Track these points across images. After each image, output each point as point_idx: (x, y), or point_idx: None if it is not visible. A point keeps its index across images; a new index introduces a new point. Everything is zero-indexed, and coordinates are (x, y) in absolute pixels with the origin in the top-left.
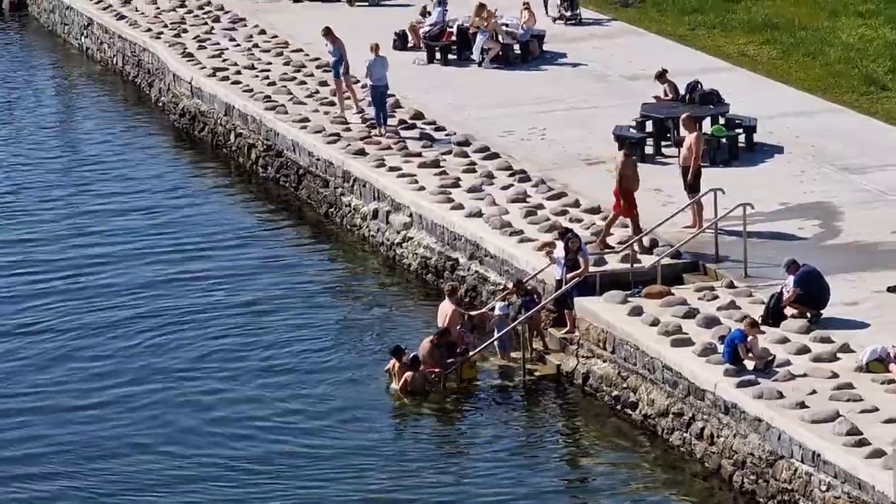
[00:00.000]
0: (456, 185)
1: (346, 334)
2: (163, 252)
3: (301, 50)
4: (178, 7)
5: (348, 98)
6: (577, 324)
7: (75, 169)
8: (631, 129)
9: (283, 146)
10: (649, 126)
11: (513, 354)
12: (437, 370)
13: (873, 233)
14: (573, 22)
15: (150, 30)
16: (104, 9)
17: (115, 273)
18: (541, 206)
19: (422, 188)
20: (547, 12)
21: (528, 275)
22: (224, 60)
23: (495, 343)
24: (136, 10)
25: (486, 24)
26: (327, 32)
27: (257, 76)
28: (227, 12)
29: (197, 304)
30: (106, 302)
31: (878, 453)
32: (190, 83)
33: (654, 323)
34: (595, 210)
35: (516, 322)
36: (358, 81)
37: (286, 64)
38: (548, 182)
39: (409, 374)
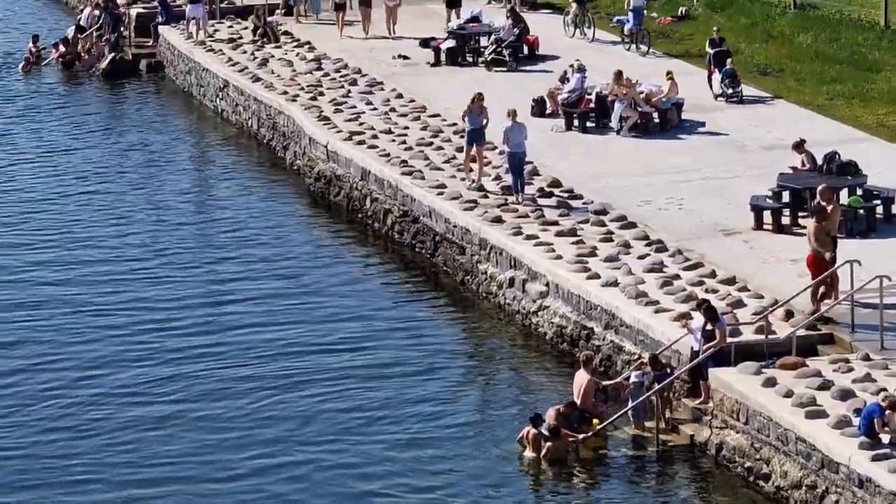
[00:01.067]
0: (592, 254)
1: (481, 402)
2: (299, 317)
3: (438, 115)
4: (314, 70)
5: (486, 165)
6: (711, 394)
7: (211, 233)
8: (767, 200)
9: (419, 212)
10: (786, 196)
11: (646, 424)
12: (570, 438)
13: None
14: (735, 100)
15: (286, 92)
16: (240, 71)
17: (253, 335)
18: (677, 277)
19: (558, 257)
20: (711, 88)
21: (663, 345)
22: (361, 124)
23: (629, 412)
24: (273, 73)
25: (624, 92)
26: (479, 98)
27: (394, 141)
28: (365, 76)
29: (333, 367)
30: (246, 364)
31: None
32: (326, 147)
33: (788, 394)
34: (731, 281)
35: (650, 392)
36: (495, 148)
37: (423, 129)
38: (684, 252)
39: (550, 443)
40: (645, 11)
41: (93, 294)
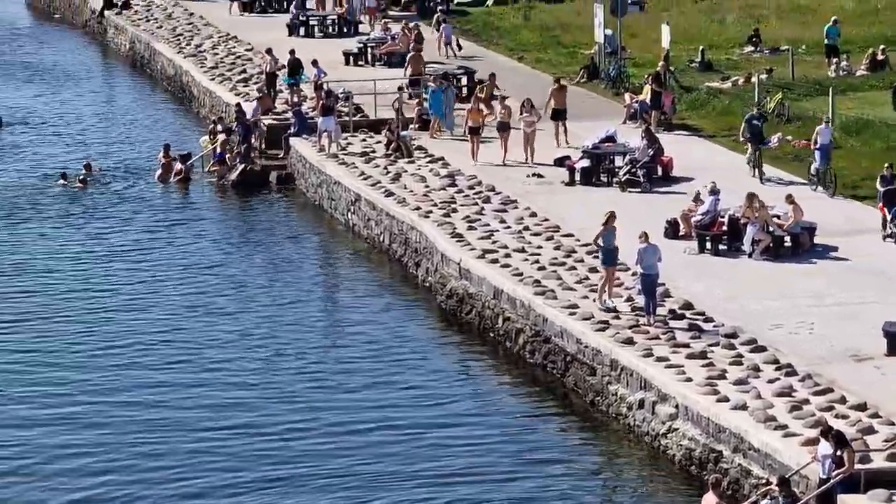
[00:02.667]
0: (722, 376)
1: None
2: (430, 441)
3: (572, 235)
4: (448, 186)
5: (618, 285)
6: None
7: (342, 350)
8: None
9: (551, 332)
10: None
11: None
12: None
13: None
14: None
15: (418, 208)
16: (372, 185)
17: (386, 454)
18: (806, 401)
19: (688, 379)
20: (883, 228)
21: (791, 469)
22: (494, 242)
23: None
24: (405, 188)
25: (757, 214)
26: (612, 217)
27: (527, 260)
28: (498, 193)
29: (468, 498)
30: (387, 487)
31: None
32: (458, 264)
33: None
34: (861, 407)
35: None
36: (628, 269)
37: (557, 248)
38: (814, 377)
39: None
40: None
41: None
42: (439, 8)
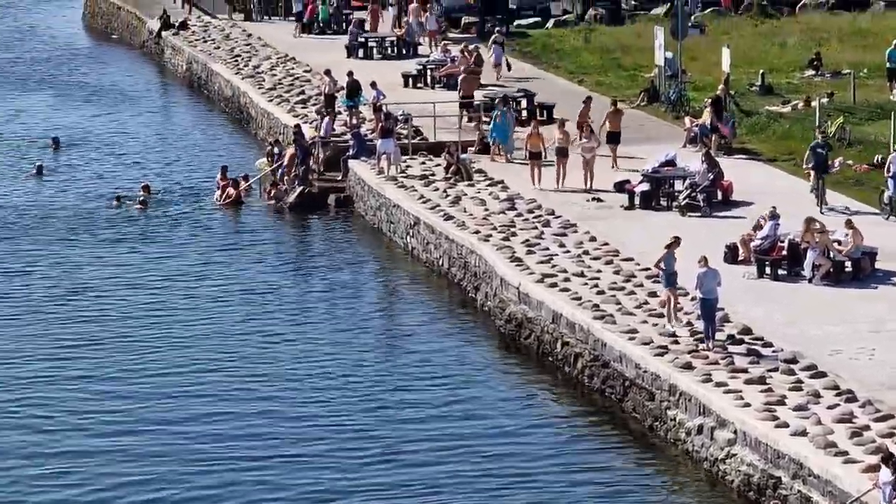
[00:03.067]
0: (781, 402)
1: None
2: (488, 464)
3: (632, 259)
4: (507, 210)
5: (679, 311)
6: None
7: (399, 372)
8: None
9: (609, 357)
10: None
11: None
12: None
13: None
14: None
15: (478, 232)
16: (431, 208)
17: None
18: (867, 428)
19: (747, 405)
20: None
21: (851, 496)
22: (553, 266)
23: None
24: (465, 211)
25: (817, 239)
26: (676, 242)
27: (586, 284)
28: (558, 217)
29: None
30: None
31: None
32: (518, 289)
33: None
34: None
35: None
36: (687, 294)
37: (616, 272)
38: (875, 403)
39: None
40: None
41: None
42: (496, 29)
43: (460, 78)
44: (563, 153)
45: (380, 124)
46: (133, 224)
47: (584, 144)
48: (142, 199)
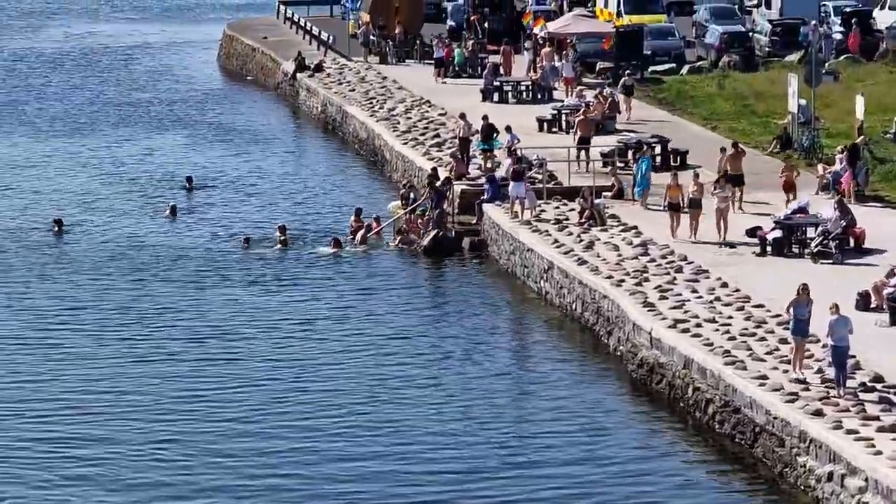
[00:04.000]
0: None
1: None
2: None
3: (762, 305)
4: (640, 255)
5: (809, 357)
6: None
7: (530, 417)
8: None
9: (740, 403)
10: None
11: None
12: None
13: None
14: None
15: (611, 277)
16: (565, 253)
17: None
18: None
19: (878, 452)
20: None
21: None
22: (685, 312)
23: None
24: (598, 256)
25: None
26: (805, 290)
27: (717, 330)
28: (690, 263)
29: None
30: None
31: None
32: (649, 333)
33: None
34: None
35: None
36: (818, 341)
37: (747, 319)
38: None
39: None
40: None
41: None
42: (626, 73)
43: (577, 119)
44: (696, 204)
45: (512, 167)
46: (266, 266)
47: (718, 194)
48: (282, 239)
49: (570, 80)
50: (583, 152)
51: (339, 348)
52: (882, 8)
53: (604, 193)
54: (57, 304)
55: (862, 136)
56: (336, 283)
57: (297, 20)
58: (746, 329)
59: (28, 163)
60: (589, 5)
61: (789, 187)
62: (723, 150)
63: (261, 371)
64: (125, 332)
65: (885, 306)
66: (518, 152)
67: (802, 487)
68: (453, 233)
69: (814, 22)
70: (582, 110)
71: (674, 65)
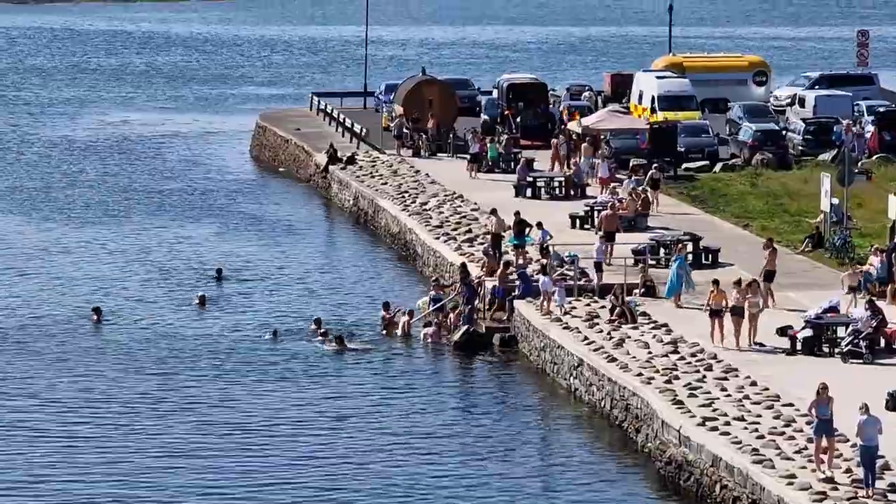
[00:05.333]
0: None
1: None
2: None
3: (792, 405)
4: (670, 353)
5: (838, 456)
6: None
7: None
8: None
9: (768, 501)
10: None
11: None
12: None
13: None
14: None
15: (640, 374)
16: (595, 350)
17: None
18: None
19: None
20: None
21: None
22: (714, 410)
23: None
24: (628, 354)
25: None
26: (825, 389)
27: (746, 428)
28: (720, 361)
29: None
30: None
31: None
32: (678, 431)
33: None
34: None
35: None
36: (847, 440)
37: (776, 417)
38: None
39: None
40: None
41: None
42: (654, 166)
43: (603, 214)
44: (738, 311)
45: (541, 263)
46: (293, 359)
47: (751, 299)
48: (323, 331)
49: (604, 181)
50: (609, 246)
51: (369, 445)
52: None
53: (634, 291)
54: (85, 395)
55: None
56: (365, 377)
57: (330, 112)
58: (775, 428)
59: (61, 249)
60: (623, 101)
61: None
62: (766, 247)
63: (287, 467)
64: (151, 425)
65: None
66: (550, 249)
67: None
68: (484, 328)
69: (847, 121)
70: (609, 204)
71: (707, 162)
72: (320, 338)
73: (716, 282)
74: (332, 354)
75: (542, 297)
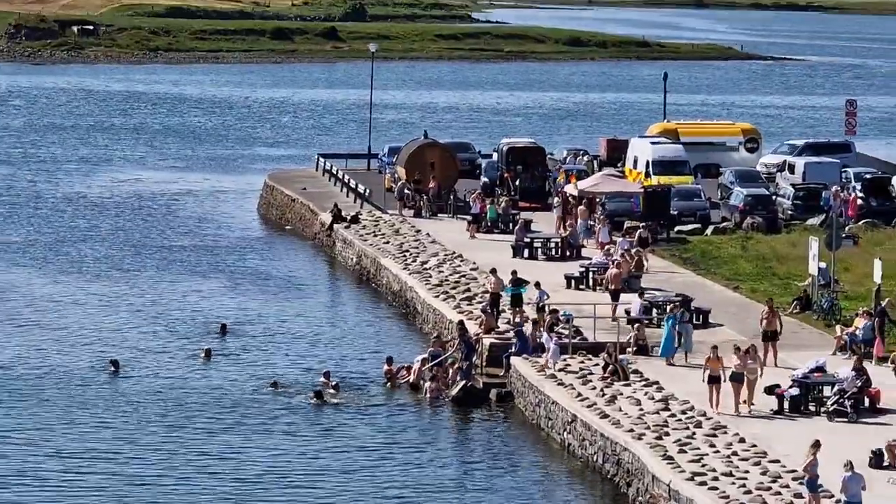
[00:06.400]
0: None
1: None
2: None
3: (778, 461)
4: (661, 410)
5: None
6: None
7: None
8: None
9: None
10: None
11: None
12: None
13: None
14: None
15: (632, 430)
16: (588, 406)
17: None
18: None
19: None
20: None
21: None
22: (703, 465)
23: None
24: (620, 410)
25: None
26: (816, 446)
27: (734, 483)
28: (710, 419)
29: None
30: None
31: None
32: (668, 486)
33: None
34: None
35: None
36: (832, 496)
37: (763, 473)
38: None
39: None
40: None
41: None
42: (642, 225)
43: (610, 273)
44: (737, 378)
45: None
46: (297, 413)
47: (750, 366)
48: (335, 384)
49: (603, 245)
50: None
51: (369, 498)
52: None
53: (627, 349)
54: (89, 445)
55: (888, 300)
56: (367, 431)
57: (335, 172)
58: (762, 483)
59: (73, 301)
60: (619, 165)
61: (714, 380)
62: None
63: None
64: (154, 480)
65: None
66: (546, 308)
67: None
68: (481, 384)
69: (835, 187)
70: (616, 263)
71: (699, 225)
72: (332, 391)
73: (714, 348)
74: (330, 407)
75: (547, 354)
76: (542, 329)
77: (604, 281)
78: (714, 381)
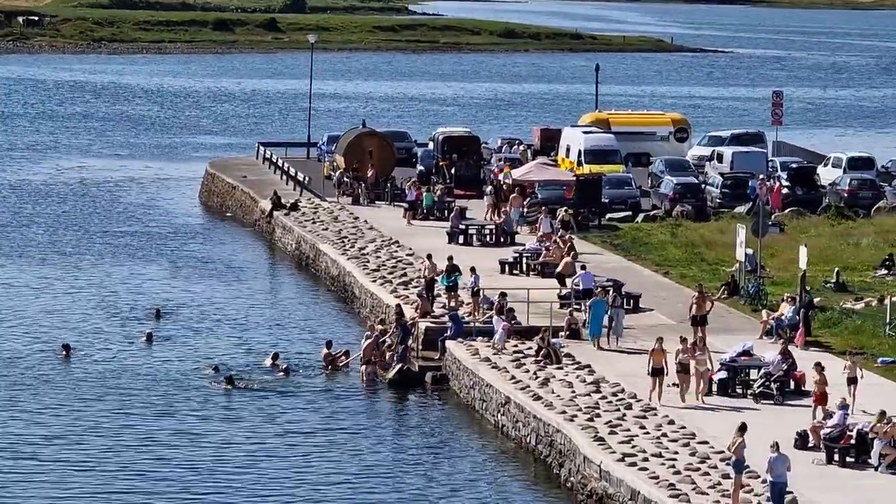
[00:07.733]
0: None
1: None
2: None
3: (707, 442)
4: (592, 392)
5: (749, 492)
6: None
7: None
8: None
9: None
10: None
11: None
12: None
13: None
14: None
15: (564, 412)
16: (522, 389)
17: None
18: None
19: None
20: None
21: None
22: (633, 447)
23: None
24: (553, 392)
25: (885, 430)
26: (743, 429)
27: (664, 464)
28: (640, 401)
29: None
30: None
31: None
32: (599, 466)
33: None
34: None
35: None
36: (758, 476)
37: (692, 454)
38: None
39: None
40: None
41: None
42: (564, 209)
43: (564, 261)
44: (685, 369)
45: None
46: (237, 398)
47: (699, 357)
48: (286, 367)
49: (548, 236)
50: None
51: (302, 481)
52: (825, 165)
53: (559, 333)
54: (35, 430)
55: (808, 289)
56: (301, 414)
57: (275, 161)
58: (691, 464)
59: (16, 285)
60: (551, 154)
61: (657, 372)
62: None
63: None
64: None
65: (821, 446)
66: (481, 293)
67: None
68: (417, 367)
69: (762, 176)
70: (566, 250)
71: (630, 213)
72: (281, 374)
73: (660, 339)
74: (271, 391)
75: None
76: (476, 314)
77: (541, 267)
78: (657, 373)
